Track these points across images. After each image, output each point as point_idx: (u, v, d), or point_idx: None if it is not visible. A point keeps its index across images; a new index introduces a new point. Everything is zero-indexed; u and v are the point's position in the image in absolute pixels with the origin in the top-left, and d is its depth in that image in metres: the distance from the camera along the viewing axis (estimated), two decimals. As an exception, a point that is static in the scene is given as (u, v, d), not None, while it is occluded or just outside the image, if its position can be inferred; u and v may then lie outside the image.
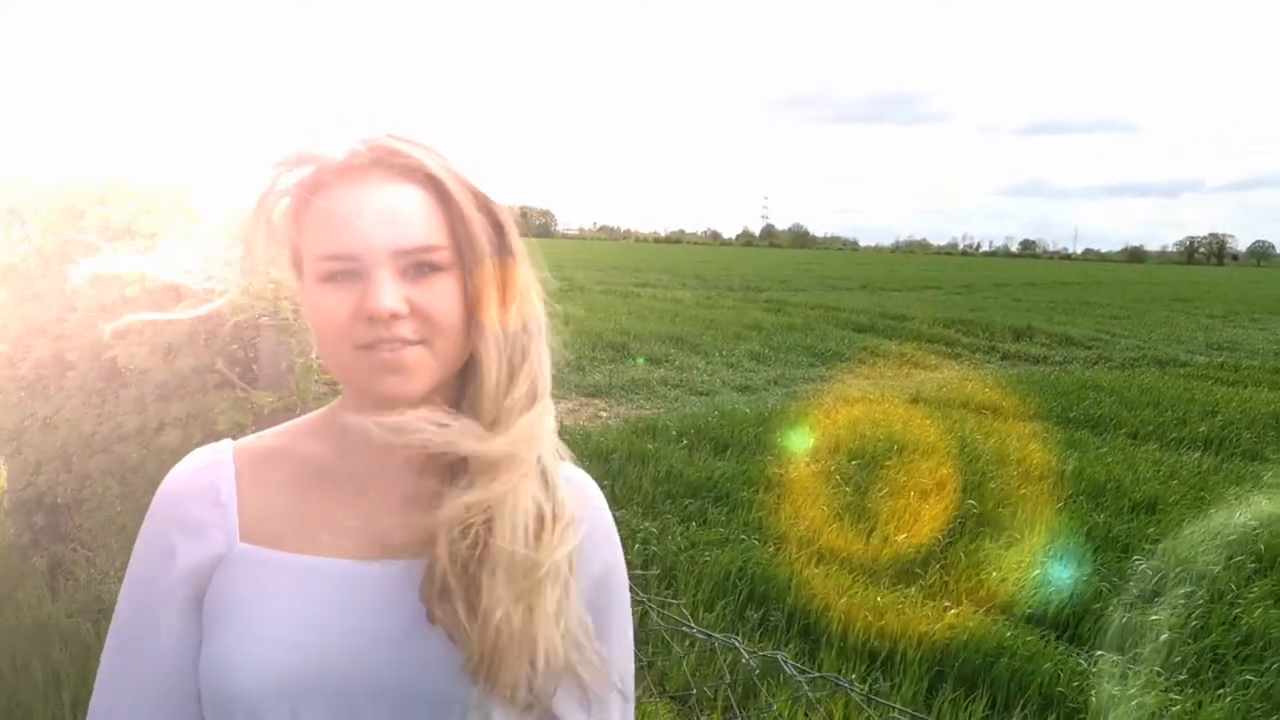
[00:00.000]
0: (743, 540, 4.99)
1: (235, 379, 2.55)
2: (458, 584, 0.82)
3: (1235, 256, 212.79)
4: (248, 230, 0.88)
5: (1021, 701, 3.58)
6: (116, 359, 2.80)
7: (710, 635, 1.69)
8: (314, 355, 2.51)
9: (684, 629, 1.79)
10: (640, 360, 12.28)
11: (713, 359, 13.06)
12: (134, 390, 2.97)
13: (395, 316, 0.79)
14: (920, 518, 5.41)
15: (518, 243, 0.87)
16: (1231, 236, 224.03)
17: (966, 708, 3.49)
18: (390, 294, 0.79)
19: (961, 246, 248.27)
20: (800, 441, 7.15)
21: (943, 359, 14.73)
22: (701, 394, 10.61)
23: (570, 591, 0.87)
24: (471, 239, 0.83)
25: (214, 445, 0.93)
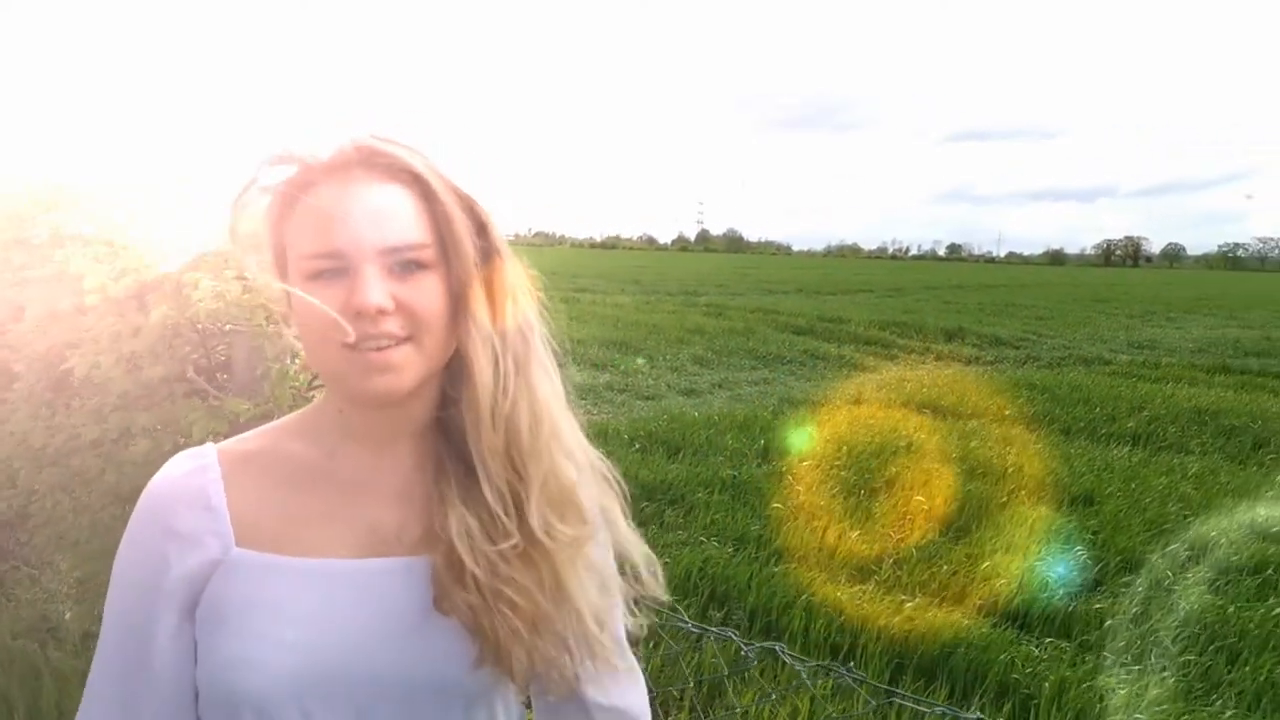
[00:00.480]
0: (702, 542, 5.05)
1: (207, 387, 2.50)
2: (482, 575, 0.84)
3: (1149, 258, 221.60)
4: (231, 229, 0.88)
5: (980, 690, 3.69)
6: (72, 369, 2.72)
7: (705, 629, 1.73)
8: (289, 360, 2.48)
9: (679, 624, 1.82)
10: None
11: (657, 363, 13.13)
12: (93, 401, 2.89)
13: (382, 312, 0.80)
14: (872, 516, 5.54)
15: (502, 242, 0.87)
16: (1146, 239, 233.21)
17: (927, 697, 3.59)
18: (377, 290, 0.79)
19: (891, 250, 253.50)
20: (752, 444, 7.25)
21: (880, 360, 15.06)
22: (648, 398, 10.66)
23: (589, 575, 0.90)
24: (455, 237, 0.84)
25: (197, 449, 0.92)
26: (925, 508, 5.62)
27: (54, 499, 3.24)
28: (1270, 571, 4.90)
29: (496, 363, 0.85)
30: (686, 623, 1.79)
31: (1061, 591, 4.67)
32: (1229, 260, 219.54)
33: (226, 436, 2.60)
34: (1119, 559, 5.03)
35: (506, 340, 0.86)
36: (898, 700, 1.89)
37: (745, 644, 1.77)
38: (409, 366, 0.82)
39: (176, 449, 2.61)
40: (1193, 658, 4.01)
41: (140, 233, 2.68)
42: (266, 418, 2.37)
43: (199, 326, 2.59)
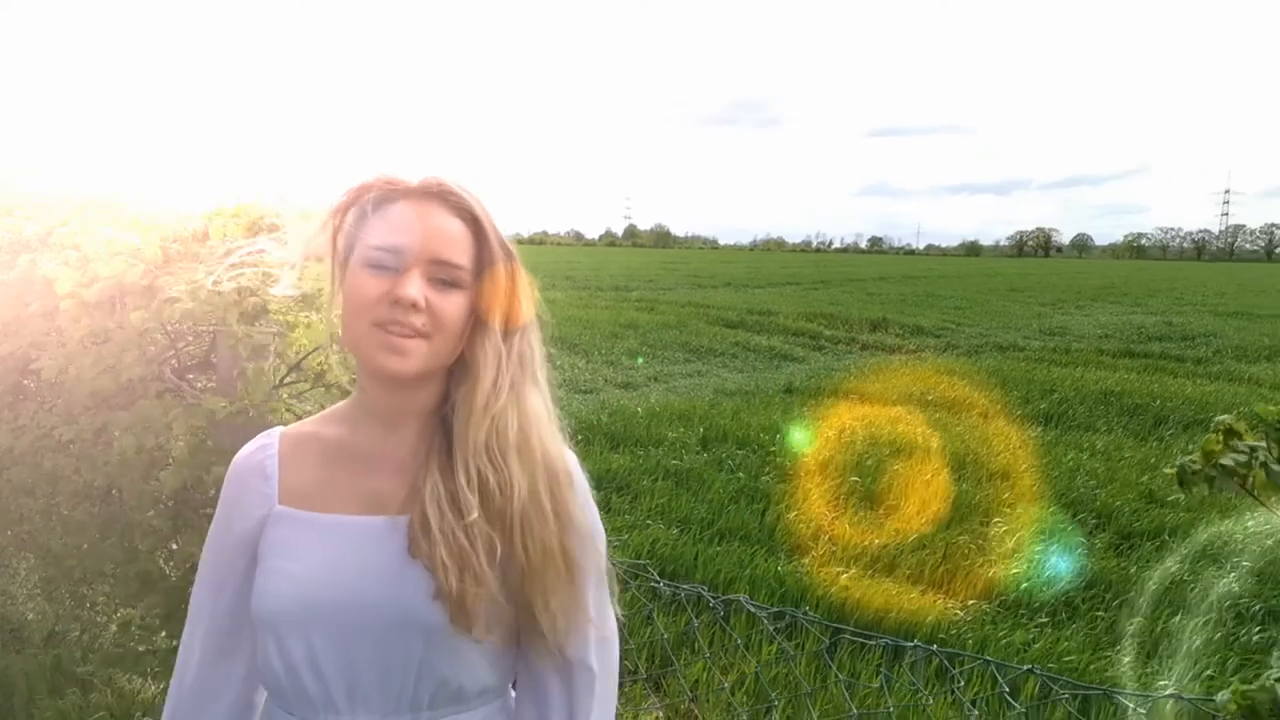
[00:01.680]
0: (649, 525, 5.28)
1: (186, 386, 2.62)
2: (446, 535, 1.04)
3: (1059, 249, 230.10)
4: (324, 219, 1.11)
5: (910, 650, 4.00)
6: (37, 371, 2.80)
7: (677, 587, 1.95)
8: (267, 362, 2.62)
9: (654, 584, 2.04)
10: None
11: (593, 358, 13.32)
12: (61, 402, 2.96)
13: (415, 306, 1.01)
14: (808, 496, 5.85)
15: (524, 284, 1.11)
16: (1056, 230, 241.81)
17: (863, 658, 3.89)
18: (416, 288, 1.01)
19: (816, 244, 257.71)
20: (692, 434, 7.50)
21: (809, 351, 15.53)
22: (585, 392, 10.85)
23: (537, 546, 1.07)
24: (489, 273, 1.07)
25: (267, 432, 1.20)
26: (858, 488, 5.96)
27: (16, 501, 3.30)
28: (1166, 536, 5.35)
29: (498, 374, 1.07)
30: (659, 581, 2.00)
31: (981, 560, 5.03)
32: (1133, 249, 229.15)
33: (207, 433, 2.71)
34: (1033, 528, 5.42)
35: (510, 358, 1.09)
36: (846, 637, 2.13)
37: (713, 597, 1.99)
38: (419, 356, 1.03)
39: (157, 446, 2.78)
40: (1100, 613, 4.39)
41: (112, 237, 2.77)
42: (243, 414, 2.51)
43: (169, 328, 2.71)
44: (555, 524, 1.08)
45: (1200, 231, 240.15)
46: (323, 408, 2.83)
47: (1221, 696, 1.19)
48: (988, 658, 3.52)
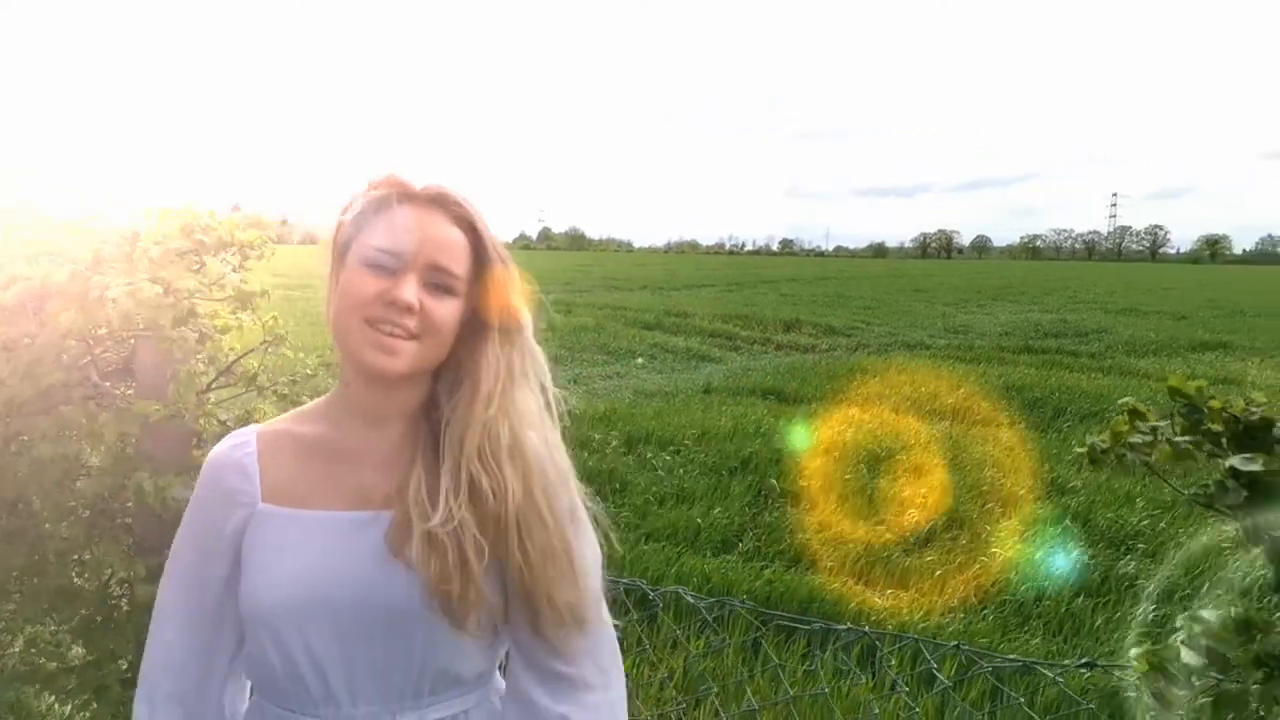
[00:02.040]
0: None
1: (112, 390, 2.55)
2: (428, 531, 1.06)
3: (960, 250, 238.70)
4: (338, 223, 1.14)
5: (833, 638, 4.14)
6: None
7: (618, 580, 1.99)
8: (195, 361, 2.57)
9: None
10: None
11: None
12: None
13: (409, 309, 1.05)
14: (730, 494, 5.97)
15: (519, 294, 1.14)
16: (957, 232, 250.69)
17: (789, 647, 4.00)
18: (412, 291, 1.05)
19: (729, 246, 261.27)
20: (613, 435, 7.56)
21: (725, 351, 15.77)
22: (506, 396, 10.78)
23: (537, 547, 1.09)
24: (485, 283, 1.11)
25: (242, 430, 1.20)
26: (778, 485, 6.11)
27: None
28: (1067, 522, 5.65)
29: (489, 380, 1.10)
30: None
31: (896, 550, 5.23)
32: (1029, 250, 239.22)
33: (139, 438, 2.66)
34: (945, 518, 5.65)
35: (502, 364, 1.12)
36: (778, 623, 2.21)
37: (652, 590, 2.04)
38: (407, 357, 1.06)
39: (82, 452, 2.68)
40: (1008, 597, 4.62)
41: (33, 239, 2.67)
42: (177, 418, 2.46)
43: (98, 332, 2.63)
44: (554, 524, 1.11)
45: (1090, 233, 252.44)
46: (248, 412, 2.78)
47: (1133, 654, 1.30)
48: (914, 635, 3.70)
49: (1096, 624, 4.30)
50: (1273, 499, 1.36)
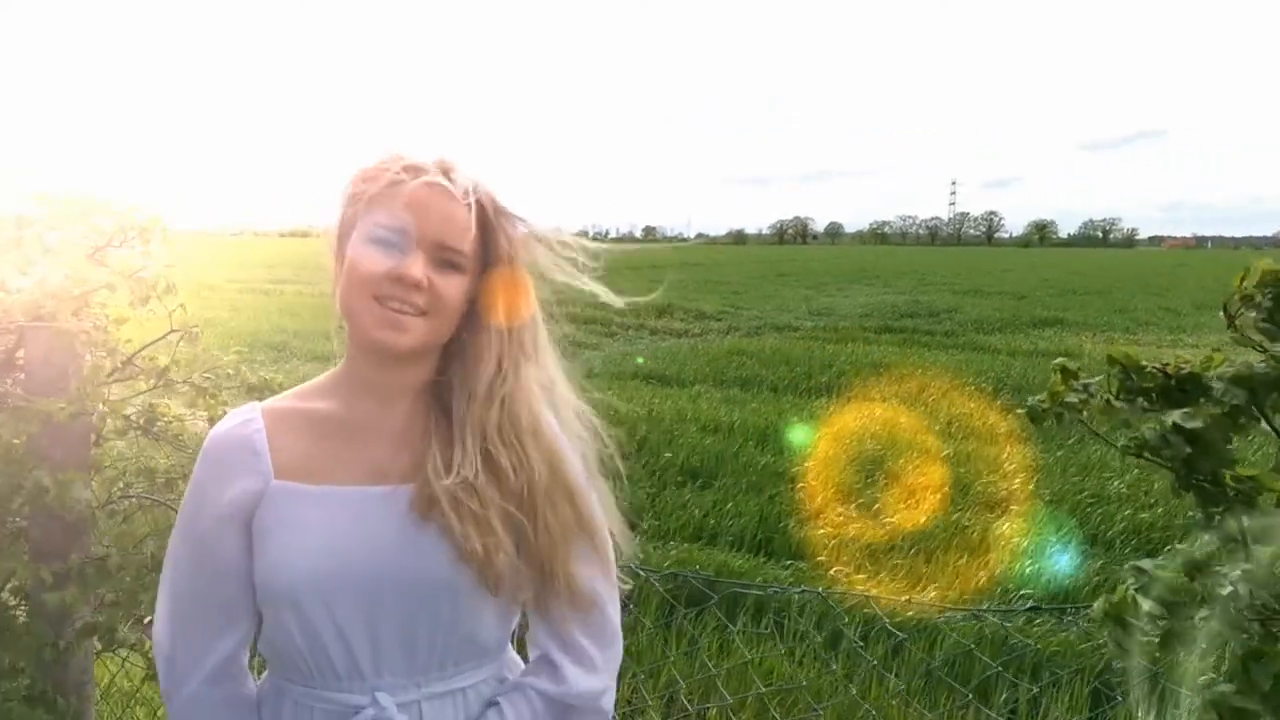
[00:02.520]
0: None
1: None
2: (447, 499, 1.07)
3: (815, 236, 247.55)
4: (344, 199, 1.13)
5: (742, 609, 4.25)
6: None
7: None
8: (100, 354, 2.39)
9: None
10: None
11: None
12: None
13: (418, 286, 1.05)
14: (627, 476, 6.01)
15: (524, 270, 1.14)
16: (811, 219, 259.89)
17: (699, 619, 4.09)
18: (419, 268, 1.05)
19: (592, 233, 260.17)
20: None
21: (601, 337, 15.83)
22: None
23: (560, 521, 1.12)
24: (490, 258, 1.11)
25: (244, 408, 1.18)
26: (674, 463, 6.21)
27: None
28: (948, 489, 5.98)
29: (500, 357, 1.11)
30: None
31: (791, 522, 5.41)
32: (877, 236, 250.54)
33: (40, 438, 2.47)
34: (833, 490, 5.89)
35: (512, 340, 1.12)
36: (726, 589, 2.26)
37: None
38: (416, 333, 1.07)
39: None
40: (899, 560, 4.87)
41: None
42: (87, 415, 2.29)
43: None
44: (573, 501, 1.13)
45: (933, 219, 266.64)
46: (152, 407, 2.61)
47: (1096, 606, 1.40)
48: (820, 590, 3.83)
49: (981, 581, 4.59)
50: (1210, 451, 1.48)
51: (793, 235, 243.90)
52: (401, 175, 1.08)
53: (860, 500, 5.65)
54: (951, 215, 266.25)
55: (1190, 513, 1.54)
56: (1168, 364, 1.66)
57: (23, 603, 2.33)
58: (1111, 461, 6.63)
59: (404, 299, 1.05)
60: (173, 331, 2.43)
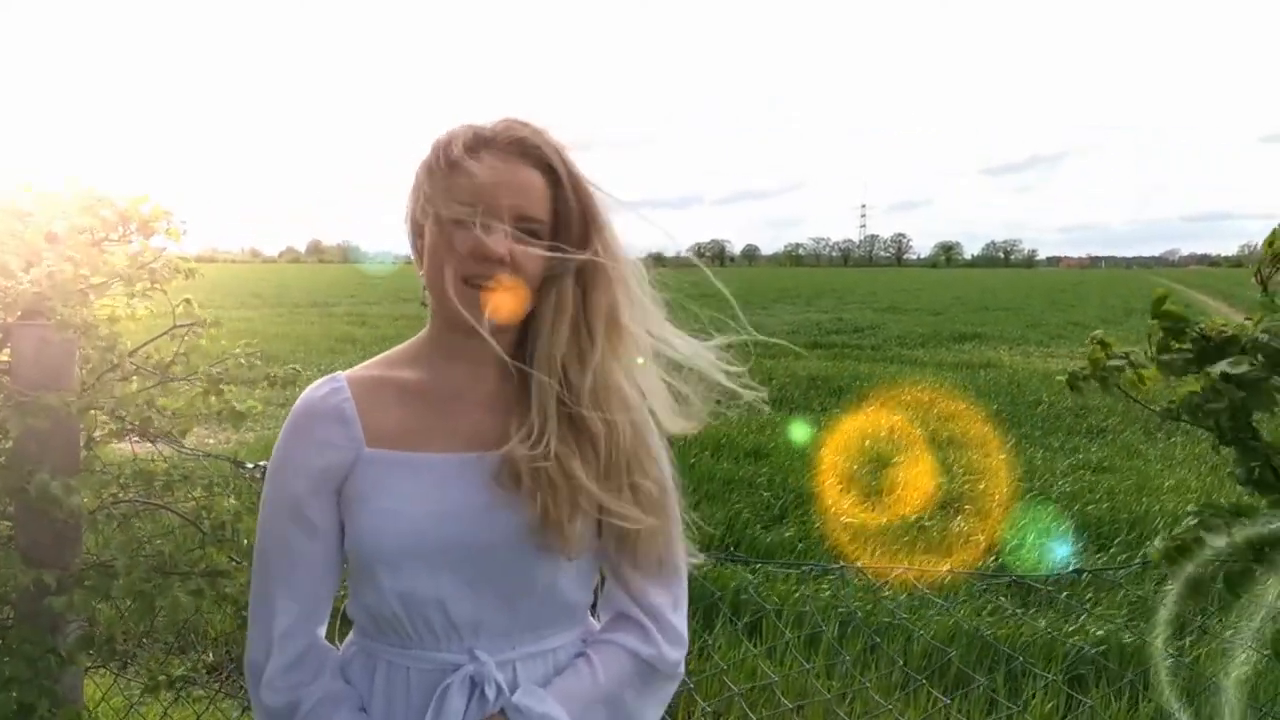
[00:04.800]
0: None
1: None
2: (529, 466, 1.09)
3: (733, 258, 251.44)
4: (418, 178, 1.13)
5: (718, 612, 4.26)
6: None
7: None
8: (115, 354, 2.28)
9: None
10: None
11: (315, 375, 12.55)
12: None
13: (501, 261, 1.06)
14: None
15: (601, 234, 1.13)
16: (729, 241, 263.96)
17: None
18: (502, 244, 1.06)
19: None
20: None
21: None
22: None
23: (623, 470, 1.13)
24: (566, 225, 1.11)
25: (330, 377, 1.18)
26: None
27: None
28: (900, 492, 6.12)
29: (579, 322, 1.12)
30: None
31: (755, 525, 5.46)
32: (792, 258, 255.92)
33: (29, 440, 2.35)
34: (793, 496, 5.97)
35: (591, 304, 1.12)
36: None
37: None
38: (506, 308, 1.08)
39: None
40: (865, 560, 4.95)
41: None
42: (88, 410, 2.18)
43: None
44: (657, 468, 1.17)
45: (845, 241, 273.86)
46: (148, 403, 2.50)
47: (1156, 543, 1.46)
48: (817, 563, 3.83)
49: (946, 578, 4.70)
50: (1258, 394, 1.56)
51: (710, 258, 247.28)
52: (472, 147, 1.09)
53: (831, 504, 5.74)
54: (862, 238, 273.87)
55: (1230, 469, 1.62)
56: (1203, 327, 1.76)
57: (10, 612, 2.20)
58: (1056, 463, 6.90)
59: (489, 275, 1.06)
60: (177, 326, 2.34)
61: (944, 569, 4.37)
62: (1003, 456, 6.85)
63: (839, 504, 5.68)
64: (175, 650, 2.65)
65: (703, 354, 1.24)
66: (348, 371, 1.19)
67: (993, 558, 4.85)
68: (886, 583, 4.56)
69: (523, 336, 1.15)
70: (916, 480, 6.15)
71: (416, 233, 1.14)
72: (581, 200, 1.12)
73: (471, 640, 1.12)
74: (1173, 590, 1.30)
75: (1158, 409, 1.74)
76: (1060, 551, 4.72)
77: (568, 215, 1.11)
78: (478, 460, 1.12)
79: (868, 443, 7.21)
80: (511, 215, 1.07)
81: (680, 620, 1.22)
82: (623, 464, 1.13)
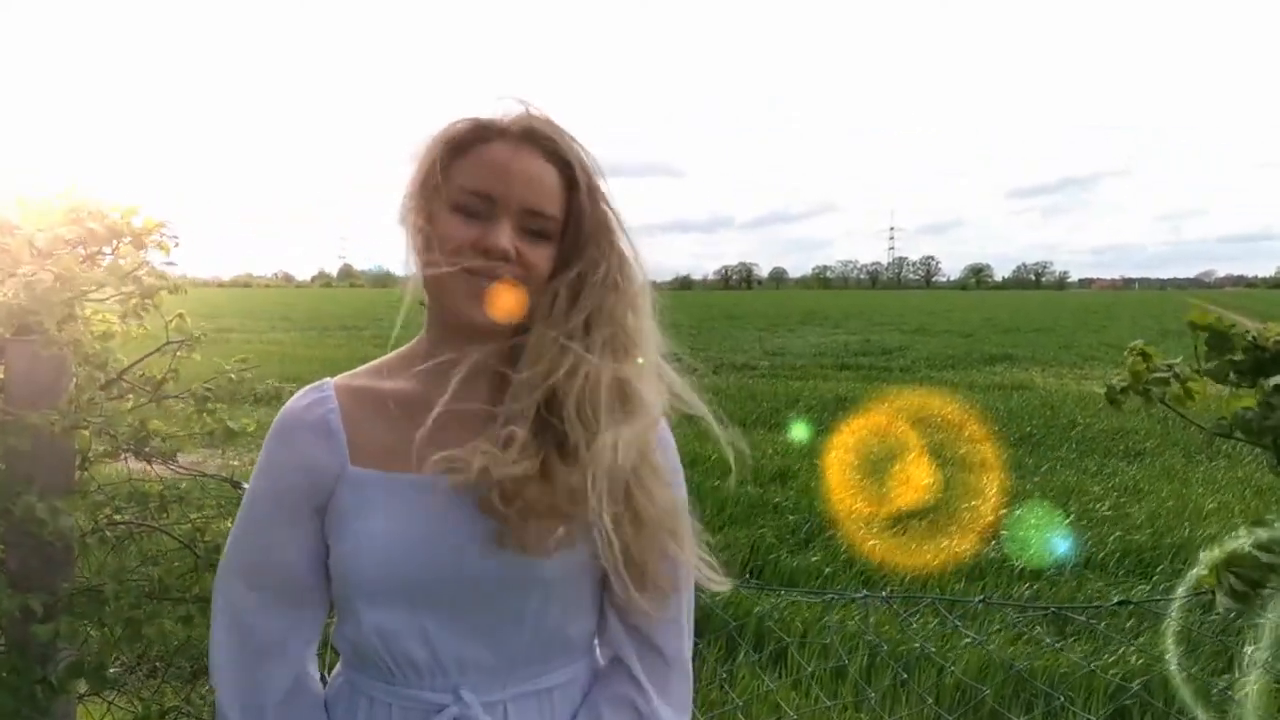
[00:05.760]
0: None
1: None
2: (511, 488, 0.98)
3: (760, 281, 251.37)
4: (421, 163, 1.05)
5: (741, 639, 4.12)
6: None
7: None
8: (92, 368, 2.21)
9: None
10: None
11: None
12: None
13: (506, 256, 0.98)
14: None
15: (616, 244, 1.05)
16: (756, 264, 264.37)
17: (699, 654, 3.95)
18: (508, 237, 0.99)
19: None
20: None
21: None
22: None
23: (614, 499, 1.01)
24: (578, 222, 1.03)
25: (318, 384, 1.11)
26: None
27: None
28: (930, 515, 5.94)
29: (585, 328, 1.01)
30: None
31: (782, 551, 5.31)
32: (820, 281, 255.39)
33: (20, 460, 2.27)
34: (820, 519, 5.81)
35: (602, 310, 1.02)
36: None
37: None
38: (507, 306, 1.00)
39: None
40: (895, 586, 4.78)
41: None
42: (74, 430, 2.10)
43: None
44: (659, 488, 1.05)
45: (873, 264, 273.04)
46: (142, 422, 2.42)
47: (1204, 556, 1.33)
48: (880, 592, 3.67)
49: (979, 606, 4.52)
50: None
51: (738, 281, 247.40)
52: (482, 133, 1.02)
53: (853, 526, 5.58)
54: (891, 260, 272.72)
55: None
56: (1254, 335, 1.61)
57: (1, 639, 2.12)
58: (1090, 486, 6.69)
59: (492, 271, 0.99)
60: (169, 343, 2.26)
61: (977, 598, 4.18)
62: (1034, 479, 6.65)
63: (864, 527, 5.52)
64: (170, 678, 2.57)
65: (689, 393, 1.16)
66: (337, 378, 1.12)
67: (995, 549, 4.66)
68: (917, 610, 4.40)
69: (516, 345, 1.05)
70: (944, 503, 5.97)
71: (415, 227, 1.04)
72: (598, 202, 1.04)
73: (458, 678, 1.03)
74: (1264, 636, 1.17)
75: (1207, 426, 1.60)
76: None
77: (581, 216, 1.03)
78: (461, 482, 1.01)
79: (895, 465, 7.03)
80: (520, 207, 1.00)
81: (682, 663, 1.12)
82: (620, 482, 1.01)
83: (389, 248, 1.14)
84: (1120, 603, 1.79)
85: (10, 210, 2.17)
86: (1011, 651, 3.88)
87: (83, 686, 2.17)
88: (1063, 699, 3.42)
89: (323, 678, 1.16)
